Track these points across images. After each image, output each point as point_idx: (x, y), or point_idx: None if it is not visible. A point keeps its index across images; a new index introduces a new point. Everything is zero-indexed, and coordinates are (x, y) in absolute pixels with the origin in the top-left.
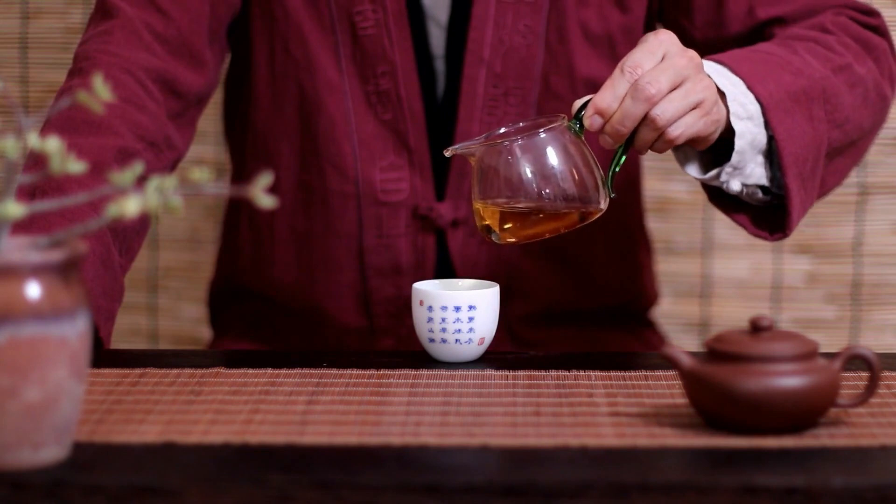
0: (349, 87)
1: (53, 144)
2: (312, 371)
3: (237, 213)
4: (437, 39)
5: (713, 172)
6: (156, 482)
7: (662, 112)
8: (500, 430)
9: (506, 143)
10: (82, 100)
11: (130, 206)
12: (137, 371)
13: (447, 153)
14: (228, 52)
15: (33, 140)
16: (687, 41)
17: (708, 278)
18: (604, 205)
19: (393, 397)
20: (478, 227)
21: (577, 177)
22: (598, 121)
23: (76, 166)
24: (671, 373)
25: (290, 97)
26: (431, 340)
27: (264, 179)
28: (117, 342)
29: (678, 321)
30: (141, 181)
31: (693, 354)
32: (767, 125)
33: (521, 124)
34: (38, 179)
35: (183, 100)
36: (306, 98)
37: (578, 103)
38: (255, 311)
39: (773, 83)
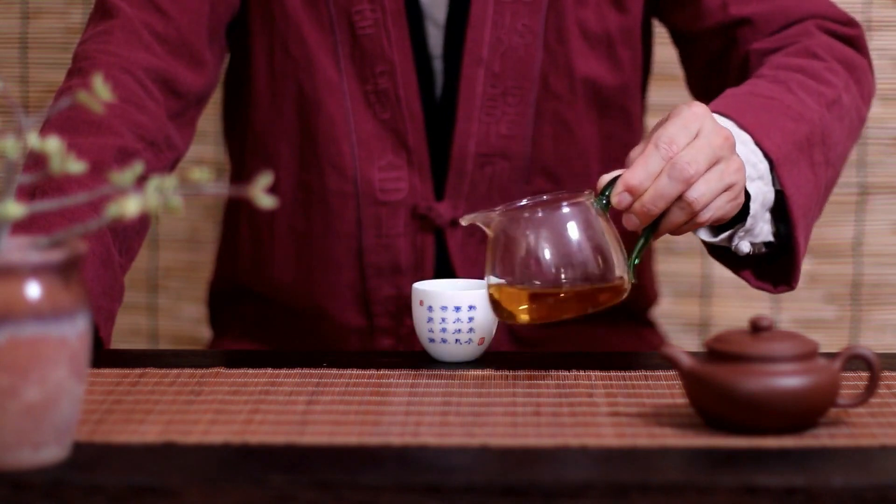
0: (348, 87)
1: (53, 144)
2: (312, 371)
3: (237, 212)
4: (435, 39)
5: (724, 235)
6: (156, 482)
7: (700, 195)
8: (500, 430)
9: (526, 214)
10: (82, 100)
11: (130, 206)
12: (137, 371)
13: (463, 222)
14: (228, 51)
15: (33, 140)
16: (679, 36)
17: (708, 278)
18: (627, 288)
19: (393, 397)
20: (492, 309)
21: (601, 257)
22: (627, 198)
23: (76, 166)
24: (671, 373)
25: (290, 97)
26: (431, 340)
27: (264, 179)
28: (117, 342)
29: (678, 321)
30: (141, 181)
31: (693, 354)
32: (774, 180)
33: (544, 197)
34: (38, 179)
35: (183, 99)
36: (305, 98)
37: (606, 178)
38: (255, 311)
39: (779, 135)
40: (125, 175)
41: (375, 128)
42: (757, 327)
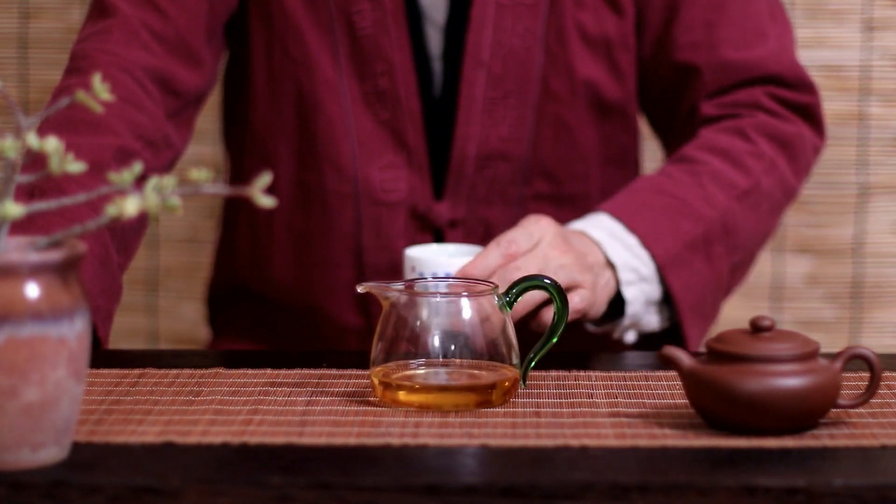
0: (347, 87)
1: (52, 144)
2: (312, 371)
3: (235, 212)
4: (435, 40)
5: (606, 327)
6: (155, 482)
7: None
8: (500, 430)
9: (425, 297)
10: (81, 99)
11: (129, 206)
12: (137, 371)
13: (360, 289)
14: (226, 50)
15: (32, 139)
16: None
17: None
18: (513, 392)
19: None
20: (372, 384)
21: (490, 353)
22: None
23: (75, 166)
24: (671, 373)
25: (288, 96)
26: None
27: (263, 179)
28: (118, 342)
29: None
30: (140, 181)
31: (693, 354)
32: (663, 280)
33: (450, 279)
34: (37, 179)
35: (181, 99)
36: (304, 97)
37: (507, 269)
38: (254, 311)
39: (670, 237)
40: (124, 175)
41: (375, 128)
42: (757, 327)
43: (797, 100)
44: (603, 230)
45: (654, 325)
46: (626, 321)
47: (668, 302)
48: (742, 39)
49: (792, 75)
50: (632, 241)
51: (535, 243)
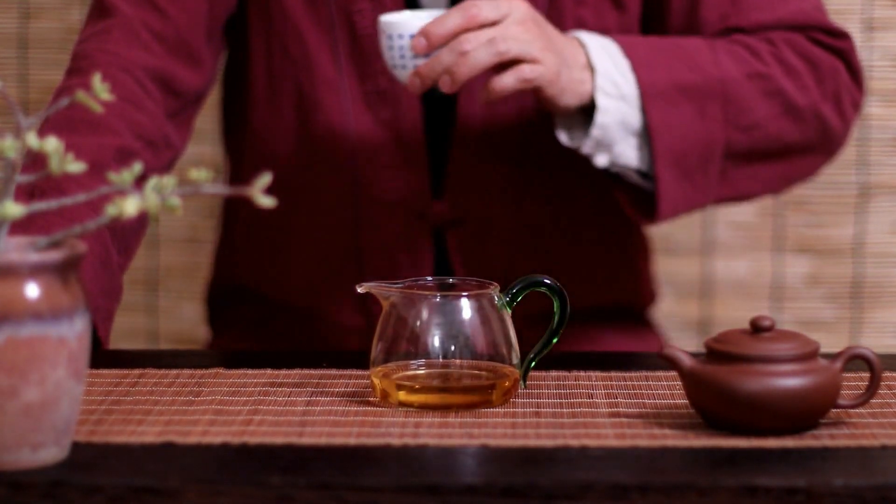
0: (347, 86)
1: (52, 144)
2: (312, 371)
3: (234, 212)
4: None
5: (578, 142)
6: (155, 483)
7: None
8: (499, 430)
9: (425, 297)
10: (81, 99)
11: (129, 206)
12: (136, 371)
13: (360, 289)
14: (226, 50)
15: (32, 139)
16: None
17: (708, 278)
18: (513, 392)
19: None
20: (372, 384)
21: (490, 353)
22: (422, 42)
23: (75, 166)
24: (671, 373)
25: (288, 96)
26: (394, 67)
27: (263, 179)
28: (118, 342)
29: (678, 321)
30: (139, 181)
31: (693, 354)
32: (645, 112)
33: (450, 280)
34: (37, 179)
35: (181, 98)
36: (304, 97)
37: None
38: (253, 311)
39: (664, 72)
40: (124, 175)
41: (375, 127)
42: (757, 327)
43: (832, 43)
44: (596, 41)
45: (631, 160)
46: (596, 131)
47: (649, 142)
48: (769, 3)
49: (825, 25)
50: (623, 62)
51: (501, 17)
